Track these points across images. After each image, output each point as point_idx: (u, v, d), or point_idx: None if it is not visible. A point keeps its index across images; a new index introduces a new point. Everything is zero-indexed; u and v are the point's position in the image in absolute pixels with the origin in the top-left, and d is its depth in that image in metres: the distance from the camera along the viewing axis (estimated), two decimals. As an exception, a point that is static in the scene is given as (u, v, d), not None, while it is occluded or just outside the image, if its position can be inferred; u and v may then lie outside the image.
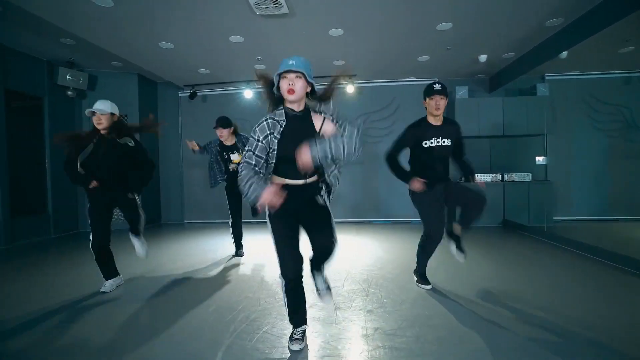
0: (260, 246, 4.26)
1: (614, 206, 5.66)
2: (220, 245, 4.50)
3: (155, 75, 5.95)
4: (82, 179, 2.54)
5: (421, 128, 2.49)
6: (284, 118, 1.64)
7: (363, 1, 3.39)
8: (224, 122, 3.46)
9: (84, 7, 3.42)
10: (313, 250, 1.76)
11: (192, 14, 3.56)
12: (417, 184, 2.44)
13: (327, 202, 1.81)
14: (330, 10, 3.57)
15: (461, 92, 5.69)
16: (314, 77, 1.69)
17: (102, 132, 2.53)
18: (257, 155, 1.61)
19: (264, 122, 1.63)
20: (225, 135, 3.48)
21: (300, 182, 1.69)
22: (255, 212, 2.59)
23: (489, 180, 5.66)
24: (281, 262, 1.66)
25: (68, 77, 5.27)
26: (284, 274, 1.66)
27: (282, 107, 1.66)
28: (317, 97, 1.69)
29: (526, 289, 2.61)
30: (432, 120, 2.50)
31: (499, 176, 5.66)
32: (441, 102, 2.43)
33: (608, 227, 5.40)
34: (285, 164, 1.65)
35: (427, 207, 2.50)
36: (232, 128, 3.51)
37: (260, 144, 1.61)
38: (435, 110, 2.43)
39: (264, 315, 2.20)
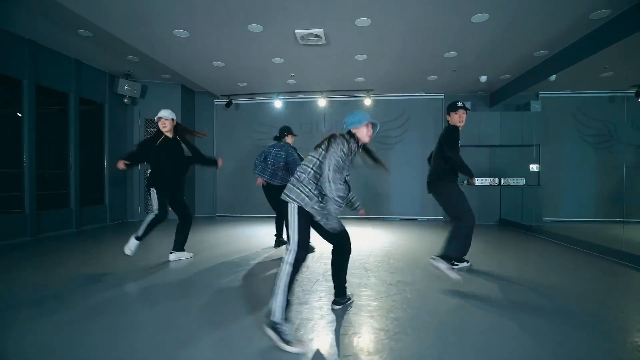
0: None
1: (598, 209, 6.48)
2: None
3: (196, 85, 6.85)
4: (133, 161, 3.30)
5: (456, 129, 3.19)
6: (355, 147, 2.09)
7: (385, 34, 4.26)
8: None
9: (165, 36, 4.33)
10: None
11: (247, 40, 4.44)
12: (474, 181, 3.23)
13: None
14: (359, 41, 4.45)
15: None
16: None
17: (167, 134, 3.35)
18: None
19: (347, 143, 1.98)
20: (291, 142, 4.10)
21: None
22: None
23: (488, 184, 6.49)
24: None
25: (126, 87, 6.19)
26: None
27: (354, 141, 2.08)
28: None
29: (521, 272, 3.21)
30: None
31: (497, 180, 6.48)
32: (464, 115, 3.20)
33: (592, 227, 6.19)
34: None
35: (464, 199, 3.11)
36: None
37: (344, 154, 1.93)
38: (459, 122, 3.18)
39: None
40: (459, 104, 3.23)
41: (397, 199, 7.10)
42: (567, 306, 2.34)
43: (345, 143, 1.96)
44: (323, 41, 4.36)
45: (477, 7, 3.59)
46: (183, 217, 3.57)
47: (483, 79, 5.81)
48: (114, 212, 6.33)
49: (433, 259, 2.91)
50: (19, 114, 4.72)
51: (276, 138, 4.17)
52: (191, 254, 3.68)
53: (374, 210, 7.08)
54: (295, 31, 4.14)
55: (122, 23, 3.99)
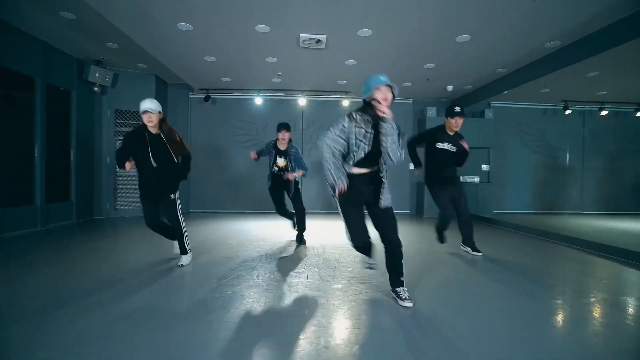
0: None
1: (536, 203, 7.74)
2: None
3: (169, 77, 6.63)
4: (123, 164, 2.93)
5: (439, 132, 3.45)
6: (370, 118, 2.08)
7: (381, 45, 4.69)
8: (289, 127, 3.90)
9: (167, 29, 4.25)
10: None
11: (250, 39, 4.54)
12: (417, 172, 3.74)
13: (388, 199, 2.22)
14: (355, 48, 4.83)
15: (431, 112, 7.32)
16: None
17: (151, 129, 2.88)
18: (342, 139, 2.04)
19: (352, 114, 2.06)
20: (286, 139, 3.88)
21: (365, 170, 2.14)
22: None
23: (449, 182, 7.35)
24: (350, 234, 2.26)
25: (97, 74, 5.80)
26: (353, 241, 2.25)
27: (368, 110, 2.07)
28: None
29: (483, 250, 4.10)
30: (448, 131, 3.48)
31: (456, 179, 7.38)
32: (460, 121, 3.38)
33: (532, 217, 7.39)
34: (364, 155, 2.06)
35: (439, 198, 3.51)
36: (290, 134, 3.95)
37: (345, 129, 2.05)
38: (455, 127, 3.39)
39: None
40: (457, 109, 3.41)
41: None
42: (514, 275, 3.00)
43: (346, 119, 2.09)
44: (323, 46, 4.66)
45: (464, 30, 4.19)
46: (171, 228, 3.19)
47: (449, 88, 6.59)
48: (80, 209, 5.90)
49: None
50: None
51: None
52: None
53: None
54: (300, 34, 4.37)
55: (124, 12, 3.86)
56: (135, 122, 6.43)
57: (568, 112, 7.38)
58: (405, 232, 5.27)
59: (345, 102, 7.13)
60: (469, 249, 3.77)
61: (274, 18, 3.97)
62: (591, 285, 2.80)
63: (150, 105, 2.84)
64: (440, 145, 3.45)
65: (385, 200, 2.25)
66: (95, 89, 5.94)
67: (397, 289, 2.33)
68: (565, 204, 7.74)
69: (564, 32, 4.20)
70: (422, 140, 3.62)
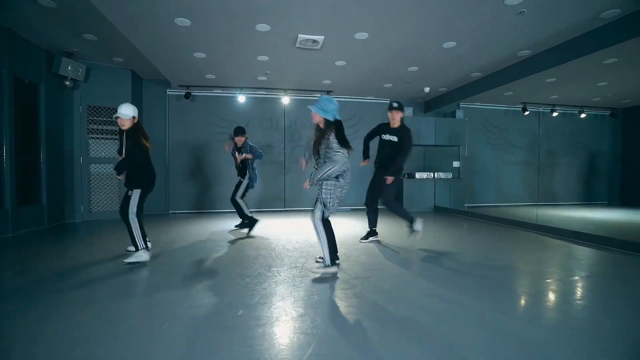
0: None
1: (500, 196, 8.48)
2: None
3: (145, 72, 6.35)
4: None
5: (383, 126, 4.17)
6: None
7: (374, 48, 4.90)
8: (244, 131, 4.75)
9: (164, 25, 4.11)
10: None
11: (247, 37, 4.53)
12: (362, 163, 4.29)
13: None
14: (348, 50, 5.00)
15: (407, 112, 7.72)
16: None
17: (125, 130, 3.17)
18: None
19: None
20: (242, 141, 4.71)
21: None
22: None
23: (425, 177, 7.84)
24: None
25: (69, 67, 5.40)
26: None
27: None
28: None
29: (454, 242, 4.49)
30: (391, 124, 4.10)
31: (431, 174, 7.88)
32: (396, 115, 4.02)
33: (498, 209, 8.11)
34: None
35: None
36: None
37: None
38: (391, 120, 4.05)
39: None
40: (394, 104, 4.04)
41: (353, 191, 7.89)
42: (485, 261, 3.42)
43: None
44: (318, 47, 4.77)
45: (452, 36, 4.54)
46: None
47: (427, 89, 7.01)
48: (51, 213, 5.48)
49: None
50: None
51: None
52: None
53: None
54: (299, 35, 4.45)
55: (120, 4, 3.68)
56: (108, 119, 6.09)
57: (527, 113, 8.18)
58: (384, 227, 5.57)
59: (328, 101, 7.28)
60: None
61: (276, 17, 4.01)
62: (545, 261, 3.27)
63: (121, 111, 3.15)
64: (384, 137, 4.11)
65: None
66: (67, 83, 5.52)
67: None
68: (525, 196, 8.58)
69: (535, 42, 4.71)
70: (372, 135, 4.32)
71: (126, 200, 3.23)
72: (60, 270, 3.01)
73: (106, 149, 6.14)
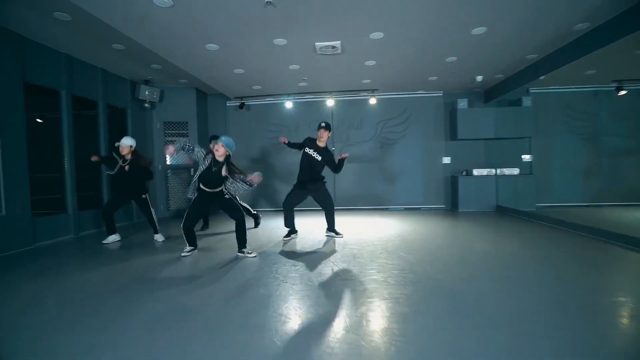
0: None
1: (585, 195, 7.23)
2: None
3: (209, 88, 7.33)
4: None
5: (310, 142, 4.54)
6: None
7: (395, 45, 4.82)
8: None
9: (198, 50, 4.84)
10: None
11: (270, 51, 4.96)
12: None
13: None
14: (371, 50, 5.02)
15: (462, 104, 7.18)
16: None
17: (126, 157, 4.53)
18: None
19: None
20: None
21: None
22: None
23: (485, 174, 7.18)
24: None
25: (146, 92, 6.65)
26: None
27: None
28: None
29: (517, 252, 4.06)
30: (319, 142, 4.50)
31: (493, 171, 7.17)
32: (324, 134, 4.41)
33: (581, 210, 6.94)
34: None
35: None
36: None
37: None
38: (319, 138, 4.45)
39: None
40: (322, 124, 4.46)
41: (401, 190, 7.74)
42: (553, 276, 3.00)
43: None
44: (339, 51, 4.91)
45: (477, 22, 4.18)
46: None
47: (479, 78, 6.43)
48: (138, 211, 6.83)
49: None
50: (38, 120, 5.29)
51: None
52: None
53: (382, 201, 7.72)
54: (315, 43, 4.68)
55: (160, 40, 4.48)
56: (179, 131, 7.25)
57: (622, 92, 6.78)
58: (439, 228, 5.35)
59: (373, 100, 7.29)
60: (332, 234, 4.70)
61: (288, 32, 4.32)
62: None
63: (125, 142, 4.55)
64: (307, 150, 4.48)
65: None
66: (146, 104, 6.80)
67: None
68: (626, 193, 7.12)
69: (593, 14, 3.99)
70: (298, 146, 4.67)
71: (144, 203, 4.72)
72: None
73: (179, 157, 7.32)
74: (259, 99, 7.73)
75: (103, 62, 5.63)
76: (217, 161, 3.65)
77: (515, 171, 7.10)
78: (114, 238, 4.69)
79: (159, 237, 4.76)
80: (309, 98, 7.72)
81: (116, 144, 4.53)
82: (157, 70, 6.13)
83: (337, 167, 4.45)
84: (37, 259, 3.89)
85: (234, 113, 7.90)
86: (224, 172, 3.65)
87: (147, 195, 4.75)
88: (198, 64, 5.43)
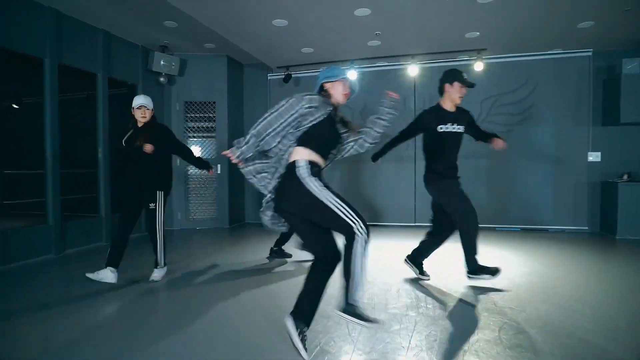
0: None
1: None
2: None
3: (245, 56, 6.42)
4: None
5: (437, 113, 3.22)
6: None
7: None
8: None
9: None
10: None
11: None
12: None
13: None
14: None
15: (631, 66, 5.35)
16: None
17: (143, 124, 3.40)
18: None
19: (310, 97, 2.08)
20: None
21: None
22: None
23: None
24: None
25: (162, 62, 5.89)
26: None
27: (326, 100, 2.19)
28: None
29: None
30: (449, 104, 3.21)
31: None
32: (458, 89, 3.15)
33: None
34: None
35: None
36: None
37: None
38: (448, 97, 3.19)
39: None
40: (451, 73, 3.21)
41: (516, 200, 6.13)
42: None
43: (306, 97, 2.05)
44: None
45: None
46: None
47: (671, 21, 4.60)
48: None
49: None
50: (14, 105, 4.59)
51: None
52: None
53: (487, 216, 6.15)
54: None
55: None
56: (205, 114, 6.48)
57: None
58: (591, 269, 3.78)
59: (479, 65, 5.81)
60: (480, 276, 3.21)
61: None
62: None
63: (144, 101, 3.40)
64: (442, 128, 3.17)
65: None
66: (161, 79, 6.06)
67: None
68: None
69: None
70: (415, 130, 3.40)
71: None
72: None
73: (206, 149, 6.55)
74: (310, 69, 6.67)
75: (105, 21, 4.95)
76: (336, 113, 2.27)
77: None
78: (108, 276, 3.32)
79: (156, 275, 3.50)
80: (381, 65, 6.52)
81: (136, 107, 3.38)
82: (173, 31, 5.32)
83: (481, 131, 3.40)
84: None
85: (277, 89, 6.93)
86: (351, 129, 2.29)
87: (158, 202, 3.45)
88: (219, 10, 4.43)
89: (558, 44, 5.67)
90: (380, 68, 6.56)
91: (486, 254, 4.17)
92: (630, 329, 2.42)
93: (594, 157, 5.90)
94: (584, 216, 5.98)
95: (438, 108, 3.24)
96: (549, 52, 5.94)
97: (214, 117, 6.54)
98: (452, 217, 3.16)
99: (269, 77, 7.00)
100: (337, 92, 2.19)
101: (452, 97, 3.17)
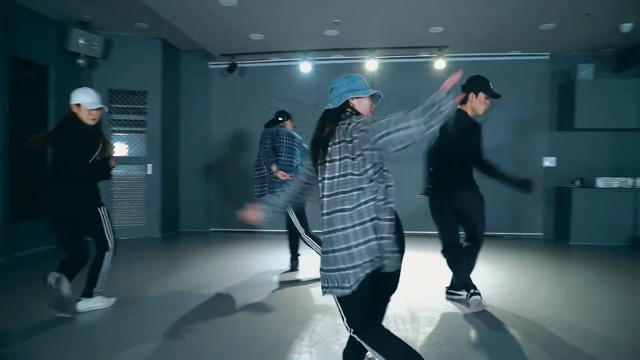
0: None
1: None
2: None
3: (183, 40, 6.00)
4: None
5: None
6: None
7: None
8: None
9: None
10: None
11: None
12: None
13: None
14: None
15: (585, 71, 5.68)
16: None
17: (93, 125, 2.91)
18: None
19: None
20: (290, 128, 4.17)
21: None
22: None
23: (616, 186, 5.68)
24: None
25: (81, 41, 5.29)
26: None
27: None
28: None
29: None
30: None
31: (629, 181, 5.71)
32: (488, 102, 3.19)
33: None
34: None
35: None
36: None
37: None
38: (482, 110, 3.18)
39: None
40: (491, 85, 3.12)
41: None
42: None
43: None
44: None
45: None
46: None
47: (626, 27, 4.92)
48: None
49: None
50: None
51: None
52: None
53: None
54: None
55: None
56: (134, 105, 5.96)
57: None
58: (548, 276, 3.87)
59: (440, 63, 5.89)
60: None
61: None
62: None
63: (97, 99, 2.94)
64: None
65: None
66: (81, 61, 5.46)
67: None
68: None
69: None
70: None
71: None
72: None
73: (134, 147, 6.07)
74: (259, 59, 6.45)
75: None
76: None
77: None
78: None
79: (81, 305, 2.88)
80: (338, 59, 6.46)
81: (95, 108, 2.90)
82: (97, 4, 4.79)
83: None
84: None
85: (220, 80, 6.61)
86: None
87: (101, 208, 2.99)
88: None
89: (518, 46, 5.90)
90: (336, 61, 6.47)
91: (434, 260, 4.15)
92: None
93: (549, 162, 6.21)
94: (539, 222, 6.26)
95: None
96: (508, 53, 6.18)
97: (145, 109, 6.03)
98: (474, 230, 3.21)
99: (210, 66, 6.62)
100: (365, 109, 1.85)
101: (476, 108, 3.10)
